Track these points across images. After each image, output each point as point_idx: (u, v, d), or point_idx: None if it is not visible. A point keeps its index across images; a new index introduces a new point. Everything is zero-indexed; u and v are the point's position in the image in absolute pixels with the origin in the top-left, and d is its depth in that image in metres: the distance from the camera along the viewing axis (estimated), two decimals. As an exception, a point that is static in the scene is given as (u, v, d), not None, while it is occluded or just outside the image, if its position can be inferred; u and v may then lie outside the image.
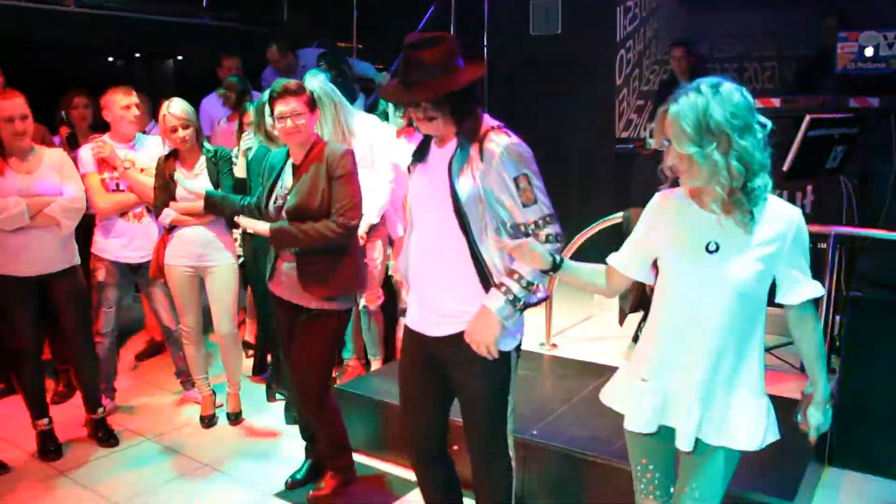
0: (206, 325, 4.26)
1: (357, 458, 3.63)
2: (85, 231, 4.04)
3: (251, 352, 5.16)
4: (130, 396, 4.64)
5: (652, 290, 2.24)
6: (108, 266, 4.17)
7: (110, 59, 8.73)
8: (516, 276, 2.34)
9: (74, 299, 3.84)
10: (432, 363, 2.57)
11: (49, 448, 3.89)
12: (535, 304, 2.50)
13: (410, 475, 3.57)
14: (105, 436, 4.04)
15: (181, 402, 4.63)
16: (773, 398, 2.14)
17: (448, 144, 2.46)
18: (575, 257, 4.68)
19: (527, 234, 2.38)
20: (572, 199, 7.05)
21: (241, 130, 4.73)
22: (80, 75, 6.39)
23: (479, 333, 2.37)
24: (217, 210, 3.63)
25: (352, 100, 4.77)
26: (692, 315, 2.06)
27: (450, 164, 2.40)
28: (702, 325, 2.04)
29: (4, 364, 4.37)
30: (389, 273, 4.59)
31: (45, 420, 3.91)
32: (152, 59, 9.13)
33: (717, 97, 1.92)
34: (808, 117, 4.14)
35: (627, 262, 2.24)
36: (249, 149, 4.32)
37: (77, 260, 3.88)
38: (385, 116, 4.65)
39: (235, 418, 4.30)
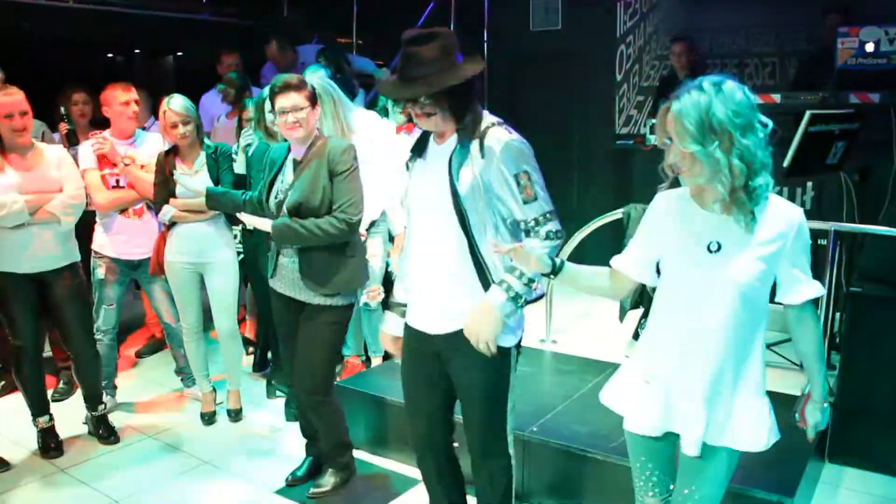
0: (207, 321, 4.26)
1: (357, 455, 3.64)
2: (85, 228, 4.03)
3: (251, 349, 5.17)
4: (131, 393, 4.64)
5: (653, 287, 2.24)
6: (108, 263, 4.17)
7: (110, 55, 8.71)
8: (517, 273, 2.34)
9: (75, 296, 3.84)
10: (434, 360, 2.57)
11: (50, 445, 3.89)
12: (533, 301, 2.49)
13: (411, 473, 3.59)
14: (106, 433, 4.04)
15: (182, 398, 4.63)
16: (773, 395, 2.14)
17: (447, 141, 2.45)
18: (575, 253, 4.74)
19: (527, 231, 2.38)
20: (572, 195, 7.06)
21: (240, 127, 4.73)
22: (80, 71, 6.39)
23: (478, 329, 2.37)
24: (218, 206, 3.63)
25: (351, 96, 4.77)
26: (694, 315, 2.05)
27: (450, 160, 2.40)
28: (704, 325, 2.04)
29: (5, 361, 4.37)
30: (389, 269, 4.59)
31: (46, 417, 3.91)
32: (152, 55, 9.11)
33: (719, 95, 1.92)
34: (808, 113, 4.14)
35: (632, 264, 2.23)
36: (249, 145, 4.32)
37: (77, 257, 3.87)
38: (385, 112, 4.64)
39: (236, 415, 4.31)
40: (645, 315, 4.63)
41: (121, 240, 4.16)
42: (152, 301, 4.42)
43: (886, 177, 4.78)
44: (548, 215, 2.38)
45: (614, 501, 3.02)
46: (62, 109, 4.72)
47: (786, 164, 4.11)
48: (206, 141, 4.08)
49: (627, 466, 2.35)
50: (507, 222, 2.41)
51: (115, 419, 4.21)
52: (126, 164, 4.09)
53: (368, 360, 4.76)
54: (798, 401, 2.22)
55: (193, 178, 3.87)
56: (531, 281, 2.35)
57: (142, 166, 4.12)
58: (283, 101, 3.12)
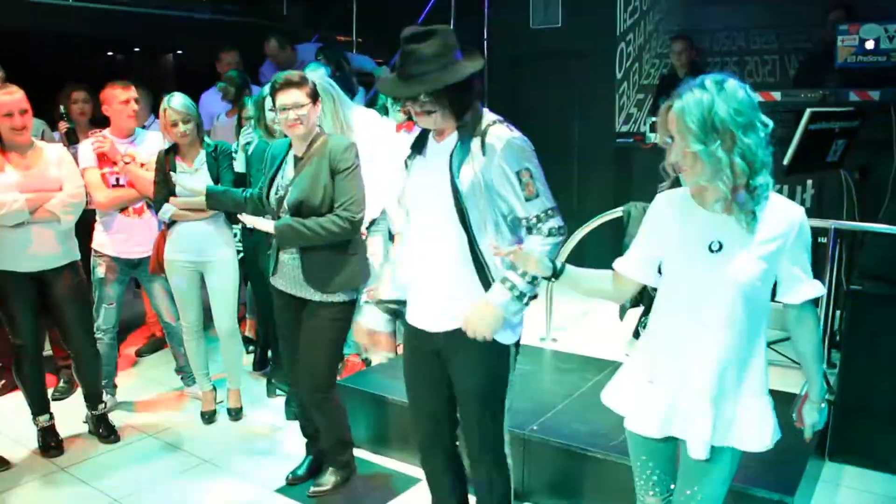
0: (207, 320, 4.26)
1: (357, 453, 3.63)
2: (85, 226, 4.03)
3: (251, 347, 5.16)
4: (131, 392, 4.64)
5: (654, 286, 2.23)
6: (108, 262, 4.17)
7: (110, 53, 8.71)
8: (520, 271, 2.34)
9: (75, 295, 3.84)
10: (434, 358, 2.57)
11: (50, 444, 3.89)
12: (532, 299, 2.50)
13: (411, 472, 3.59)
14: (106, 432, 4.04)
15: (182, 397, 4.63)
16: (773, 393, 2.13)
17: (447, 138, 2.45)
18: (575, 252, 4.74)
19: (529, 228, 2.39)
20: (572, 194, 7.05)
21: (240, 125, 4.73)
22: (80, 70, 6.39)
23: (476, 323, 2.37)
24: (218, 205, 3.63)
25: (351, 94, 4.76)
26: (695, 314, 2.05)
27: (450, 158, 2.39)
28: (705, 325, 2.03)
29: (6, 360, 4.37)
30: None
31: (46, 416, 3.91)
32: (152, 53, 9.11)
33: (721, 94, 1.91)
34: (808, 111, 4.13)
35: (634, 266, 2.22)
36: (249, 143, 4.31)
37: (77, 256, 3.87)
38: (385, 111, 4.64)
39: (236, 414, 4.31)
40: (645, 313, 4.63)
41: (121, 238, 4.16)
42: (152, 300, 4.42)
43: (886, 175, 4.78)
44: (550, 212, 2.38)
45: (614, 500, 3.03)
46: (62, 108, 4.72)
47: (786, 161, 4.11)
48: (206, 139, 4.08)
49: (627, 465, 2.35)
50: (507, 219, 2.41)
51: (116, 418, 4.21)
52: (126, 163, 4.08)
53: (368, 358, 4.76)
54: (796, 401, 2.22)
55: (193, 177, 3.87)
56: (535, 278, 2.35)
57: (142, 165, 4.12)
58: (284, 97, 3.11)
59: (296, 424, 3.80)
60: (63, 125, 4.62)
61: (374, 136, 4.20)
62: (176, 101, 3.86)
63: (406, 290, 2.64)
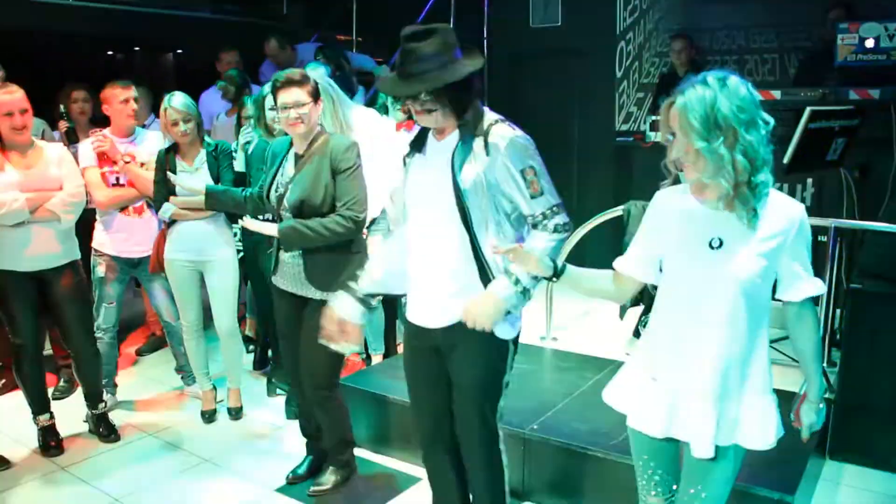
0: (207, 320, 4.26)
1: (357, 453, 3.63)
2: (85, 226, 4.03)
3: (252, 347, 5.16)
4: (131, 392, 4.64)
5: (653, 284, 2.23)
6: (108, 261, 4.17)
7: (110, 52, 8.71)
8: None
9: (75, 294, 3.84)
10: (433, 354, 2.58)
11: (50, 443, 3.89)
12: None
13: (411, 471, 3.60)
14: (106, 431, 4.04)
15: (182, 397, 4.63)
16: (774, 391, 2.13)
17: (447, 137, 2.45)
18: (575, 251, 4.73)
19: (535, 225, 2.40)
20: (572, 193, 7.04)
21: (239, 125, 4.73)
22: (80, 69, 6.39)
23: (477, 312, 2.37)
24: (218, 204, 3.63)
25: (351, 94, 4.76)
26: (696, 312, 2.05)
27: (452, 156, 2.39)
28: (706, 322, 2.03)
29: (6, 359, 4.37)
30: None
31: (47, 415, 3.91)
32: (152, 52, 9.11)
33: (724, 90, 1.91)
34: (808, 110, 4.13)
35: (635, 264, 2.21)
36: (249, 143, 4.31)
37: (77, 255, 3.87)
38: (385, 110, 4.63)
39: (236, 413, 4.31)
40: (646, 312, 4.63)
41: (121, 238, 4.16)
42: (152, 299, 4.42)
43: (886, 173, 4.78)
44: (555, 208, 2.39)
45: (615, 499, 3.03)
46: (62, 107, 4.72)
47: (786, 160, 4.11)
48: (207, 139, 4.08)
49: (628, 464, 2.35)
50: (510, 218, 2.42)
51: (116, 417, 4.21)
52: (126, 162, 4.08)
53: (369, 357, 4.76)
54: (794, 400, 2.22)
55: (194, 176, 3.87)
56: (536, 276, 2.35)
57: (142, 164, 4.12)
58: (285, 96, 3.11)
59: (296, 424, 3.80)
60: (63, 124, 4.63)
61: (374, 135, 4.20)
62: (177, 101, 3.86)
63: (383, 285, 2.65)
